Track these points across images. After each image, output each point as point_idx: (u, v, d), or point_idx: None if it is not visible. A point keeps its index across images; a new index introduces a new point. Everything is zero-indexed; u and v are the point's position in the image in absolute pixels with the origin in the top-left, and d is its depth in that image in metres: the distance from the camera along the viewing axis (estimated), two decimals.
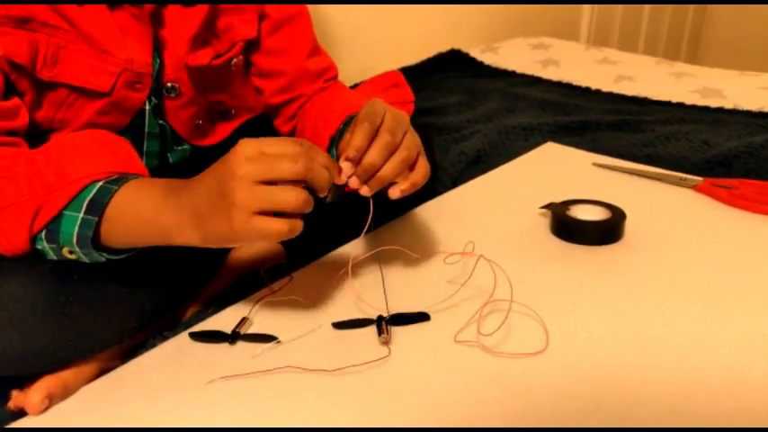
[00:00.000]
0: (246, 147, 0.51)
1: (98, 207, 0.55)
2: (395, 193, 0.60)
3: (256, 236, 0.51)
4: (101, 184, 0.56)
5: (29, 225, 0.56)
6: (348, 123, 0.69)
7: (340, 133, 0.70)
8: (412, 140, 0.61)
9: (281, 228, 0.51)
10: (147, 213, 0.55)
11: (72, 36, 0.64)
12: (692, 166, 1.04)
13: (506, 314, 0.66)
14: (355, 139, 0.58)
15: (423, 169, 0.61)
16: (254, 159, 0.50)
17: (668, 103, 1.38)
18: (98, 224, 0.55)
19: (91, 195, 0.55)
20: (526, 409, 0.55)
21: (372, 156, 0.58)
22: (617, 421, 0.54)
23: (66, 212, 0.55)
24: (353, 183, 0.58)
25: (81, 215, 0.55)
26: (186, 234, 0.54)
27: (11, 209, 0.56)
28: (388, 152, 0.58)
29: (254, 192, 0.50)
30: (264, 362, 0.62)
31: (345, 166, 0.58)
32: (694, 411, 0.54)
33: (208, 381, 0.60)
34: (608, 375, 0.59)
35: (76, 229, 0.55)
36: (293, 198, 0.51)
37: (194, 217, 0.52)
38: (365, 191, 0.59)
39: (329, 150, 0.73)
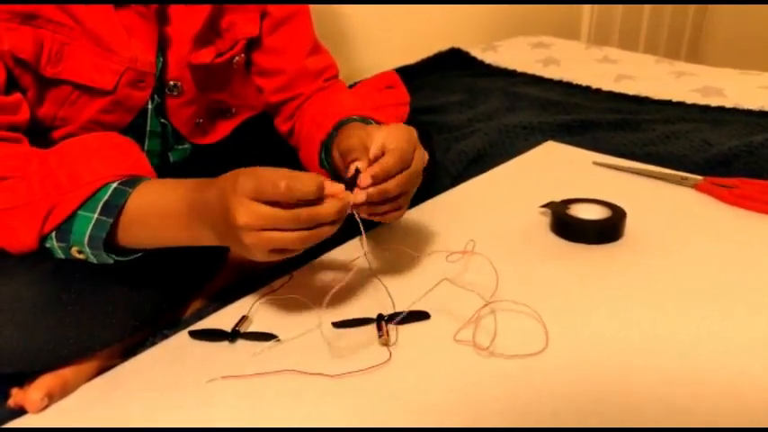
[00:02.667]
0: (240, 200, 0.52)
1: (113, 209, 0.55)
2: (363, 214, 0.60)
3: (278, 260, 0.56)
4: (115, 185, 0.56)
5: (40, 225, 0.56)
6: (338, 128, 0.70)
7: (330, 138, 0.71)
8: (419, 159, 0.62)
9: (297, 252, 0.55)
10: (170, 219, 0.56)
11: (77, 33, 0.64)
12: (692, 165, 1.04)
13: (506, 313, 0.66)
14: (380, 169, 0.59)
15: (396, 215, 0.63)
16: (251, 212, 0.51)
17: (669, 102, 1.38)
18: (113, 226, 0.56)
19: (106, 197, 0.56)
20: (527, 409, 0.55)
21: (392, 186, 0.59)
22: (617, 421, 0.54)
23: (80, 212, 0.55)
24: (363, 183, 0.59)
25: (95, 216, 0.55)
26: (214, 241, 0.57)
27: (23, 208, 0.56)
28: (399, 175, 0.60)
29: (261, 238, 0.52)
30: (264, 361, 0.62)
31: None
32: (695, 410, 0.54)
33: (208, 379, 0.60)
34: (608, 374, 0.59)
35: (89, 230, 0.55)
36: (301, 243, 0.54)
37: (219, 237, 0.56)
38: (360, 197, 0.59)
39: (320, 154, 0.73)
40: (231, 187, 0.52)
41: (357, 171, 0.59)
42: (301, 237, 0.53)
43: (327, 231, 0.55)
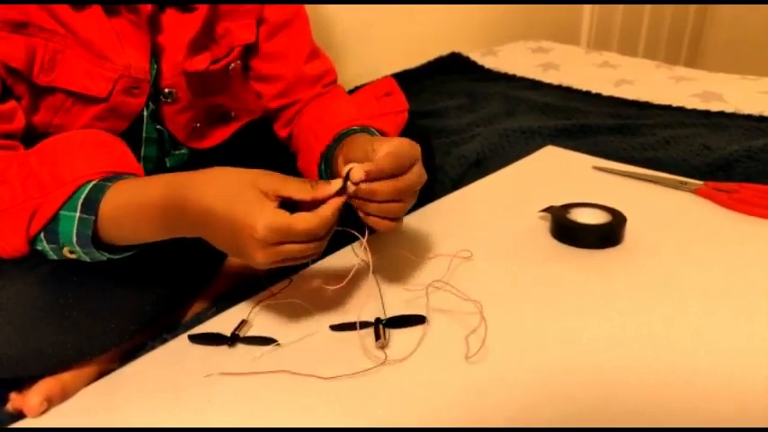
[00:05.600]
0: (266, 222, 0.52)
1: (93, 205, 0.55)
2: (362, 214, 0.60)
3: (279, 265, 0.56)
4: (94, 182, 0.56)
5: (26, 228, 0.56)
6: (338, 140, 0.70)
7: (330, 150, 0.71)
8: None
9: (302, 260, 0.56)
10: (143, 214, 0.55)
11: (69, 41, 0.64)
12: (692, 170, 1.03)
13: (504, 318, 0.66)
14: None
15: (389, 225, 0.62)
16: (275, 232, 0.52)
17: (668, 107, 1.38)
18: (96, 222, 0.55)
19: (84, 194, 0.55)
20: (524, 413, 0.55)
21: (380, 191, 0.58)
22: (614, 423, 0.54)
23: (62, 212, 0.55)
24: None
25: (77, 214, 0.55)
26: (193, 235, 0.56)
27: (7, 212, 0.56)
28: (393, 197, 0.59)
29: (273, 253, 0.53)
30: (263, 365, 0.62)
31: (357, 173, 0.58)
32: (694, 413, 0.54)
33: (207, 382, 0.59)
34: (607, 379, 0.58)
35: (75, 228, 0.55)
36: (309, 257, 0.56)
37: (202, 236, 0.56)
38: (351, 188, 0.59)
39: (319, 165, 0.73)
40: (248, 228, 0.51)
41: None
42: (308, 255, 0.55)
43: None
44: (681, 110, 1.36)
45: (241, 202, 0.52)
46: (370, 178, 0.57)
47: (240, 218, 0.51)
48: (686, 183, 0.96)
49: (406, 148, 0.60)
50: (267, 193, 0.53)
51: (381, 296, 0.71)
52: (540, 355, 0.61)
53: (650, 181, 0.99)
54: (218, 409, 0.57)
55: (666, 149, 1.14)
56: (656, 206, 0.91)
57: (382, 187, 0.58)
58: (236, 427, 0.55)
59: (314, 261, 0.78)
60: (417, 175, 0.60)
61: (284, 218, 0.52)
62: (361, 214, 0.60)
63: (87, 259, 0.58)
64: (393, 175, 0.58)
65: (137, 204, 0.55)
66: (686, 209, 0.90)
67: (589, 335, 0.64)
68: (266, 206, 0.52)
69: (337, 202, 0.56)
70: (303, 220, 0.53)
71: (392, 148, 0.60)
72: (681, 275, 0.73)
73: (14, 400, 0.59)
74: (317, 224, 0.53)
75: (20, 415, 0.58)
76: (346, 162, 0.61)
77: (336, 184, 0.57)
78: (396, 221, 0.61)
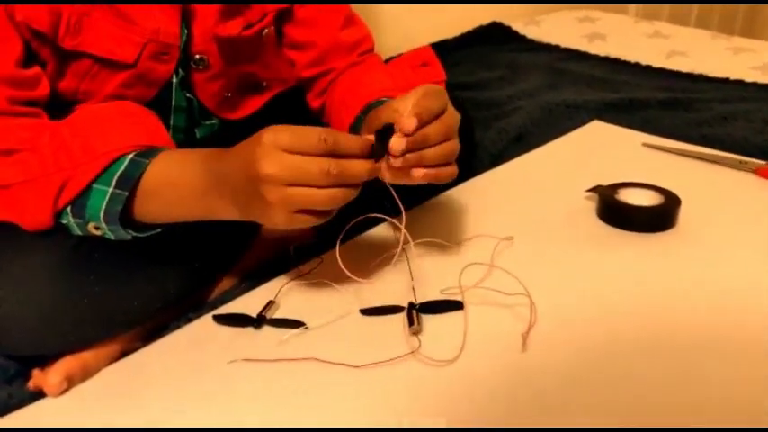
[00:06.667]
0: (267, 148, 0.50)
1: (129, 181, 0.54)
2: (418, 173, 0.56)
3: (300, 227, 0.53)
4: (131, 157, 0.55)
5: (53, 200, 0.55)
6: (366, 111, 0.67)
7: (358, 121, 0.68)
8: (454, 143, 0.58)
9: (321, 220, 0.52)
10: (186, 191, 0.54)
11: (96, 3, 0.61)
12: (752, 149, 0.99)
13: (547, 304, 0.63)
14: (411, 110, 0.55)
15: (451, 170, 0.59)
16: (278, 162, 0.49)
17: (726, 81, 1.33)
18: (129, 199, 0.54)
19: (122, 169, 0.54)
20: (565, 403, 0.53)
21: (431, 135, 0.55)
22: (666, 421, 0.50)
23: (94, 186, 0.54)
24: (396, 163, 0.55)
25: (111, 189, 0.54)
26: (232, 214, 0.55)
27: (35, 183, 0.55)
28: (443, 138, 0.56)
29: (286, 194, 0.50)
30: (290, 348, 0.60)
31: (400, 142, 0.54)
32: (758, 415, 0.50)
33: (230, 365, 0.58)
34: (657, 371, 0.56)
35: (104, 204, 0.54)
36: (329, 201, 0.51)
37: (237, 206, 0.54)
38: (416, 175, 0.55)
39: None
40: (257, 139, 0.50)
41: (390, 126, 0.54)
42: (330, 194, 0.51)
43: (353, 193, 0.52)
44: (739, 83, 1.32)
45: (250, 151, 0.51)
46: (421, 123, 0.54)
47: (249, 162, 0.50)
48: (746, 162, 0.92)
49: (433, 88, 0.57)
50: (276, 142, 0.50)
51: (413, 279, 0.68)
52: (586, 346, 0.59)
53: (706, 160, 0.95)
54: (241, 392, 0.55)
55: (724, 126, 1.10)
56: (713, 187, 0.87)
57: (432, 129, 0.55)
58: (260, 413, 0.53)
59: (347, 236, 0.75)
60: (454, 115, 0.58)
61: (291, 156, 0.49)
62: (404, 178, 0.56)
63: (112, 237, 0.57)
64: (436, 115, 0.55)
65: (174, 180, 0.55)
66: (746, 190, 0.87)
67: (638, 324, 0.61)
68: (273, 149, 0.50)
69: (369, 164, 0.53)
70: (315, 158, 0.50)
71: (423, 90, 0.56)
72: (739, 262, 0.70)
73: (36, 378, 0.58)
74: (334, 163, 0.50)
75: (41, 393, 0.57)
76: (369, 129, 0.57)
77: (363, 140, 0.53)
78: (453, 165, 0.58)
